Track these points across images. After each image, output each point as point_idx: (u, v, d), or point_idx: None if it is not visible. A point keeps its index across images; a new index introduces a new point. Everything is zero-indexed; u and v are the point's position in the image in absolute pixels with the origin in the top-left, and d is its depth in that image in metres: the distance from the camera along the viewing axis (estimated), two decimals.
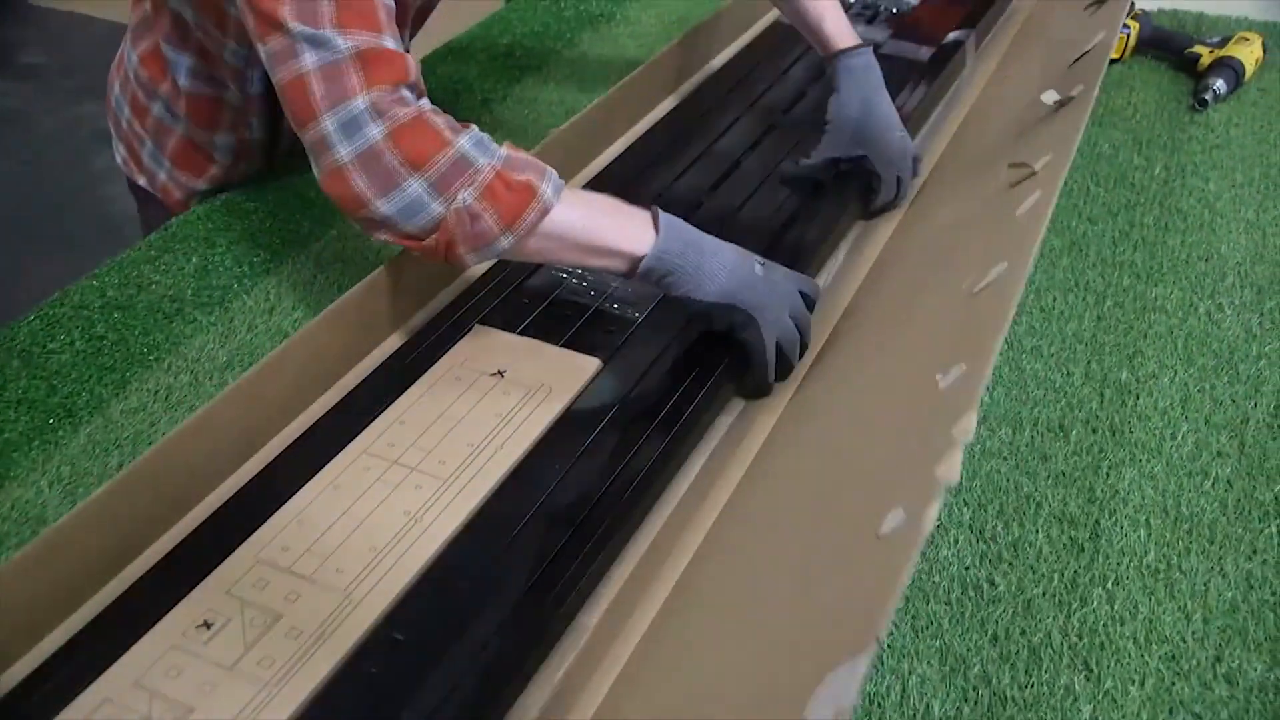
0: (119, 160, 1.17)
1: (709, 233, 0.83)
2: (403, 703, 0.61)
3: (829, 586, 0.56)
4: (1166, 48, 1.44)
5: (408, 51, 0.85)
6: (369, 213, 0.76)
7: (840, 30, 1.07)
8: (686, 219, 0.82)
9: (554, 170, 0.80)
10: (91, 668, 0.62)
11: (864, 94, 1.05)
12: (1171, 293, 1.01)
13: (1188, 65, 1.40)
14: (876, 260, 0.99)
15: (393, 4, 0.78)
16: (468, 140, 0.77)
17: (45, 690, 0.62)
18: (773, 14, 1.44)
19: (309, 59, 0.74)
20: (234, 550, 0.69)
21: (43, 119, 2.96)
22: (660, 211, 0.82)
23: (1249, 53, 1.37)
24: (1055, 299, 1.00)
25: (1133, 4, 1.44)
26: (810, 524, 0.65)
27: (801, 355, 0.87)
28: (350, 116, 0.74)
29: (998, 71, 1.32)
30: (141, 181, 1.15)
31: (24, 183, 2.70)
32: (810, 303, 0.87)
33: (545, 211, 0.78)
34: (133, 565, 0.71)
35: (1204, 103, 1.32)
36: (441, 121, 0.77)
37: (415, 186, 0.76)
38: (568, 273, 0.93)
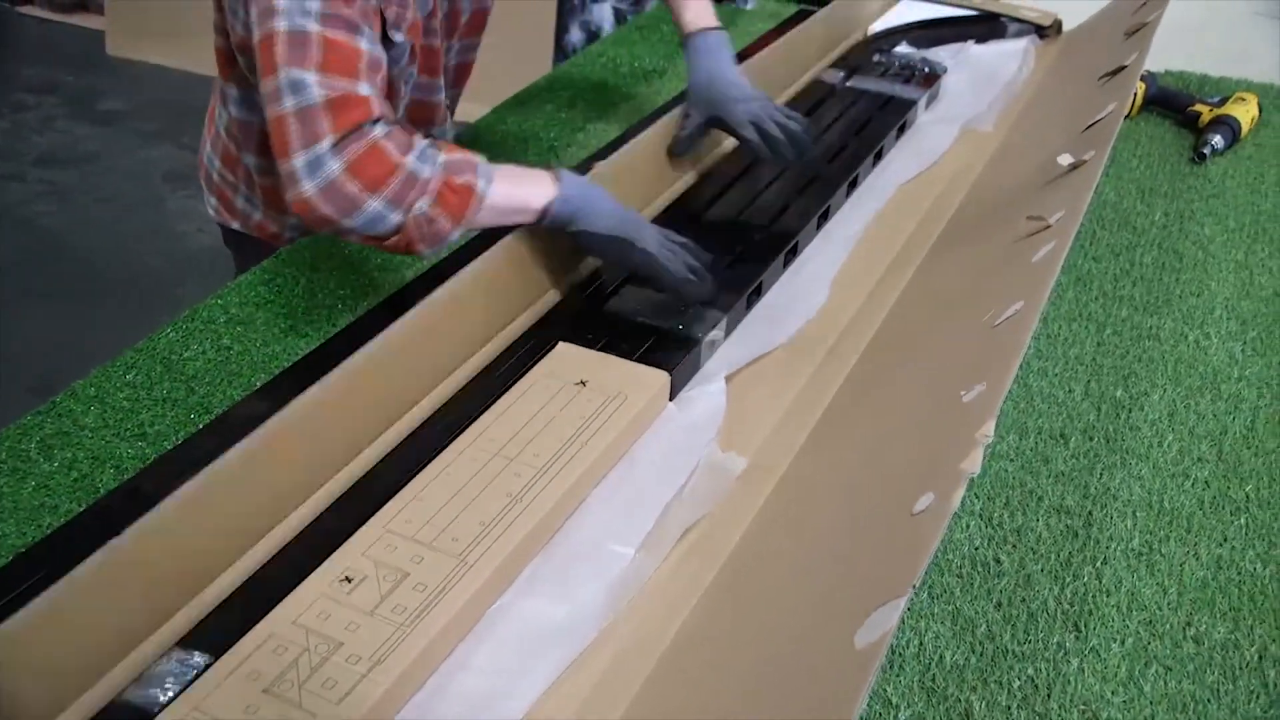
0: (210, 211, 1.30)
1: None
2: None
3: (870, 550, 0.70)
4: (1171, 106, 1.58)
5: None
6: (336, 228, 0.93)
7: (698, 14, 1.23)
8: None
9: (482, 158, 0.97)
10: (259, 608, 0.76)
11: (709, 67, 1.22)
12: (1165, 323, 1.14)
13: (1189, 122, 1.53)
14: (900, 294, 1.13)
15: (379, 59, 0.94)
16: (414, 157, 0.93)
17: (219, 626, 0.76)
18: (826, 61, 1.58)
19: (289, 102, 0.90)
20: (365, 521, 0.83)
21: (119, 160, 3.16)
22: (560, 168, 1.01)
23: (1245, 112, 1.50)
24: (1060, 327, 1.13)
25: None
26: (850, 506, 0.79)
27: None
28: (315, 156, 0.90)
29: (1012, 132, 1.46)
30: (235, 225, 1.28)
31: (103, 217, 2.89)
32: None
33: (483, 201, 0.96)
34: (278, 530, 0.84)
35: (1203, 156, 1.46)
36: (392, 145, 0.92)
37: (375, 205, 0.92)
38: (638, 300, 1.07)
